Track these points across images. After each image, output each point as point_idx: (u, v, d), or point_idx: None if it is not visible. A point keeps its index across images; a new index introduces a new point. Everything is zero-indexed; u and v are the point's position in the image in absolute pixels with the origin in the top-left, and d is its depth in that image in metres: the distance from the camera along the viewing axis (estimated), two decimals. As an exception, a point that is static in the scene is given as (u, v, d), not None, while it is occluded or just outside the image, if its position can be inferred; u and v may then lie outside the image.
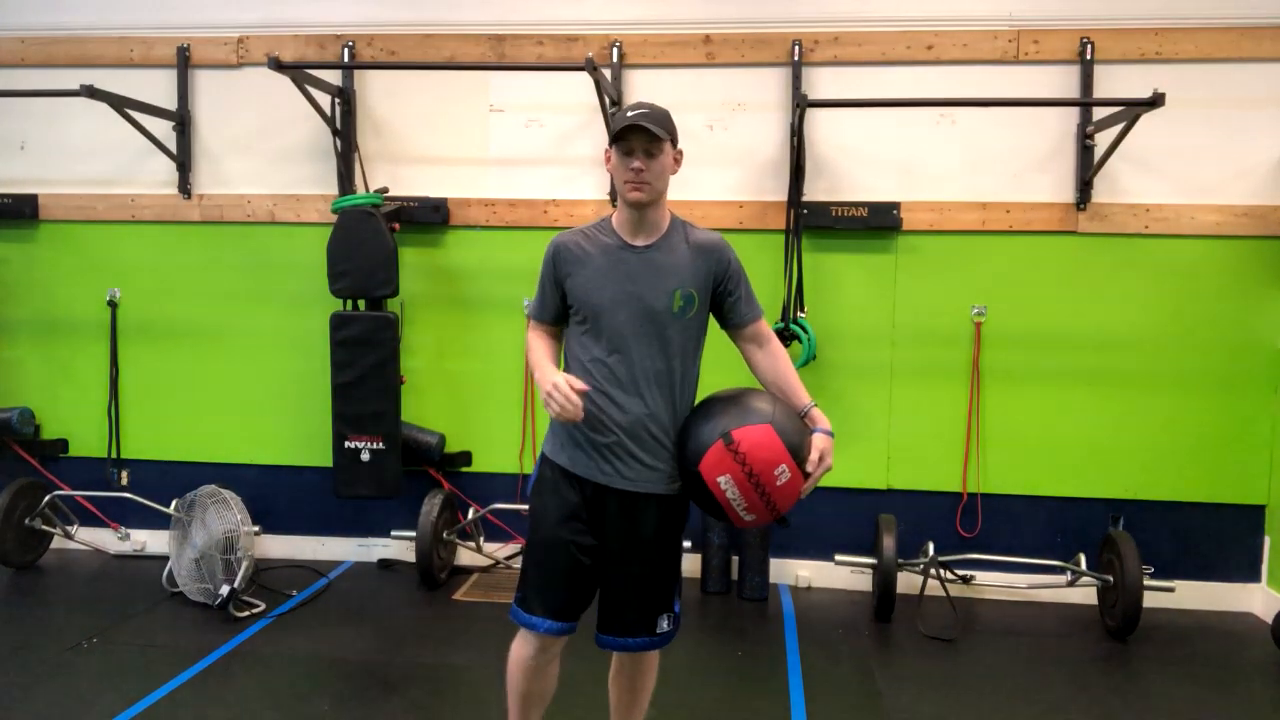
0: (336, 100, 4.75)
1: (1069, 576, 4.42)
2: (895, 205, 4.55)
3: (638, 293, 2.46)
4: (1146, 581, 4.11)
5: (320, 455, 4.85)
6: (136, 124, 4.69)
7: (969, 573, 4.57)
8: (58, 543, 5.07)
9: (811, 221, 4.56)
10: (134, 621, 4.17)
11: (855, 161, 4.63)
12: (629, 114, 2.41)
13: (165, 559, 4.58)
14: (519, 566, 2.61)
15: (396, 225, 4.66)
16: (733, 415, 2.38)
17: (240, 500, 4.42)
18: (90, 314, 5.09)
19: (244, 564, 4.28)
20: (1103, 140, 4.39)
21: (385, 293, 4.57)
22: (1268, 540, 4.53)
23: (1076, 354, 4.57)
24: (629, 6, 4.70)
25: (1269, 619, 4.24)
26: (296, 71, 4.38)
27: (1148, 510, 4.57)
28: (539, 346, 2.56)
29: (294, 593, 4.51)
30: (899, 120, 4.58)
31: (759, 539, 4.58)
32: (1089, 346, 4.56)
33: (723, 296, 2.57)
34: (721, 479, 2.32)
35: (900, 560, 4.35)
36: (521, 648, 2.59)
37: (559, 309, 2.57)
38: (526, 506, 2.67)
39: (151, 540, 5.09)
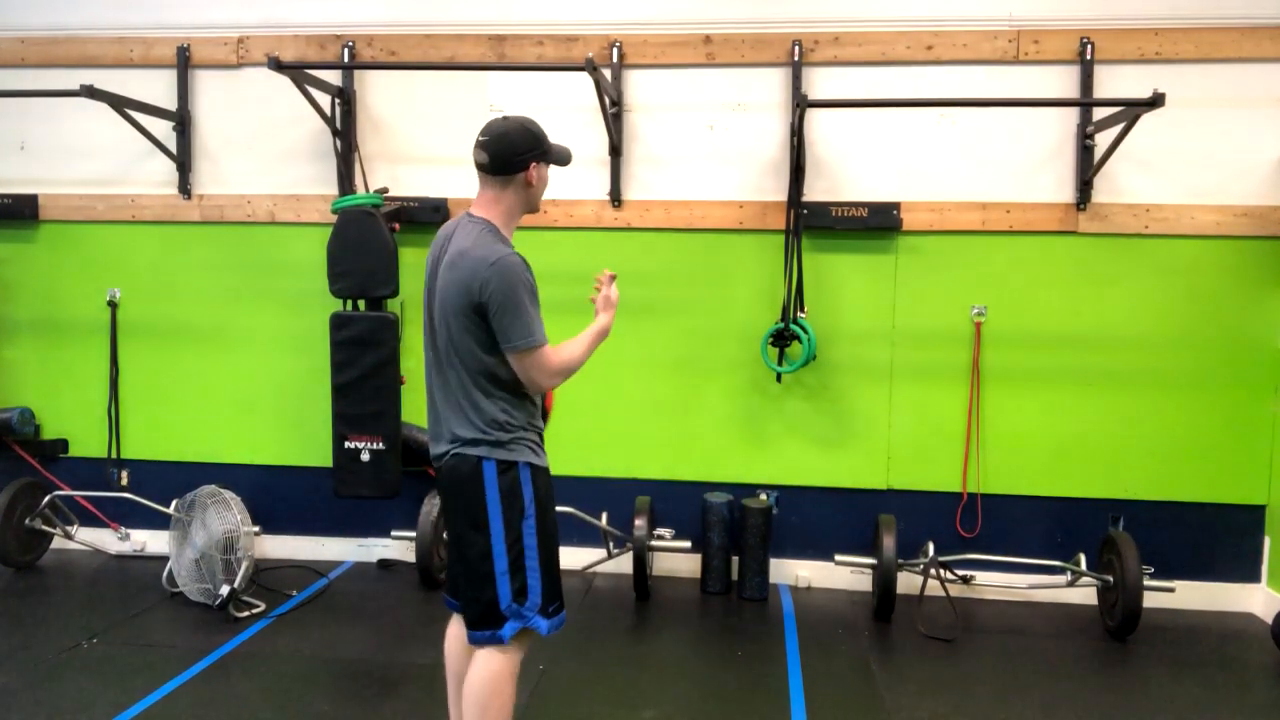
0: (336, 100, 4.75)
1: (1069, 576, 4.42)
2: (895, 205, 4.55)
3: None
4: (1146, 581, 4.11)
5: (320, 455, 4.85)
6: (136, 124, 4.69)
7: (969, 573, 4.57)
8: (58, 543, 5.07)
9: (811, 221, 4.56)
10: (134, 621, 4.17)
11: (855, 161, 4.63)
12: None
13: (165, 559, 4.58)
14: (534, 585, 2.53)
15: (396, 225, 4.66)
16: None
17: (240, 500, 4.42)
18: (90, 314, 5.09)
19: (244, 564, 4.28)
20: (1103, 140, 4.39)
21: (385, 293, 4.57)
22: (1268, 540, 4.53)
23: (1076, 354, 4.57)
24: (629, 6, 4.70)
25: (1269, 619, 4.24)
26: (296, 71, 4.38)
27: (1148, 510, 4.57)
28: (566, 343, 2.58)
29: (294, 593, 4.51)
30: (899, 120, 4.57)
31: (759, 539, 4.58)
32: (1089, 346, 4.56)
33: None
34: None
35: (900, 560, 4.35)
36: (521, 655, 2.58)
37: None
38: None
39: (151, 540, 5.09)
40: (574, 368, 2.55)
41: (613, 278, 2.76)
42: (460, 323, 2.45)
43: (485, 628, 2.50)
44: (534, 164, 2.51)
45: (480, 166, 2.52)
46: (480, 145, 2.50)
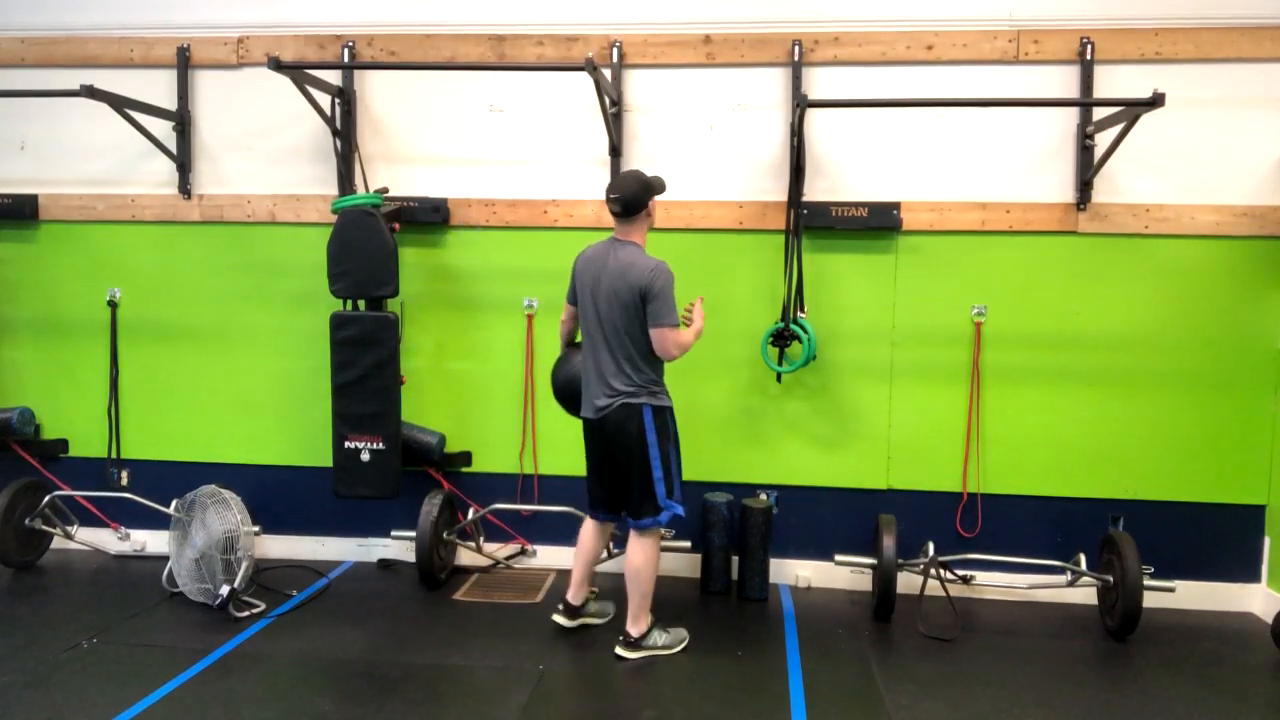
0: (336, 100, 4.75)
1: (1069, 576, 4.42)
2: (895, 205, 4.55)
3: None
4: (1146, 581, 4.11)
5: (320, 455, 4.85)
6: (136, 124, 4.69)
7: (969, 573, 4.57)
8: (58, 543, 5.08)
9: (811, 221, 4.56)
10: (134, 621, 4.17)
11: (855, 161, 4.63)
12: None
13: (165, 559, 4.58)
14: (675, 484, 3.80)
15: (396, 225, 4.66)
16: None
17: (240, 500, 4.42)
18: (90, 314, 5.09)
19: (244, 564, 4.28)
20: (1103, 140, 4.39)
21: (385, 293, 4.57)
22: (1268, 540, 4.53)
23: (1076, 354, 4.57)
24: (629, 6, 4.70)
25: (1269, 619, 4.24)
26: (296, 71, 4.38)
27: (1148, 510, 4.58)
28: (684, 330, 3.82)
29: (294, 593, 4.51)
30: (899, 120, 4.58)
31: (760, 539, 4.58)
32: (1089, 346, 4.56)
33: None
34: None
35: (900, 560, 4.35)
36: (661, 532, 3.91)
37: None
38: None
39: (151, 540, 5.09)
40: (687, 348, 3.73)
41: (700, 300, 4.01)
42: (631, 311, 3.62)
43: (649, 516, 3.72)
44: (650, 201, 3.73)
45: (616, 215, 3.71)
46: (614, 200, 3.67)
